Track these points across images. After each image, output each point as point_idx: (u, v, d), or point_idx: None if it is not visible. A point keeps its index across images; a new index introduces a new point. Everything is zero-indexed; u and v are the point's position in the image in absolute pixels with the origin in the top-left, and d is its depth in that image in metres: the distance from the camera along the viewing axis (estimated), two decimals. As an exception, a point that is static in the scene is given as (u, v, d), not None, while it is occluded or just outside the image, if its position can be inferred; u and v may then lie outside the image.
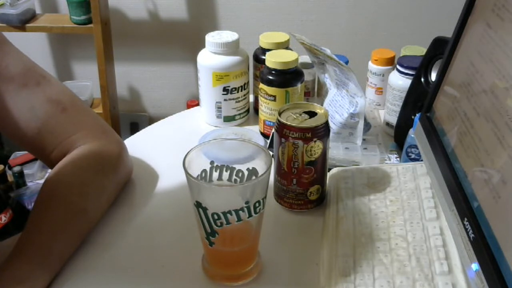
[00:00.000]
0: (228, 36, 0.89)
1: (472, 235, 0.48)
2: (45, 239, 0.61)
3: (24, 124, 0.69)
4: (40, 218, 0.63)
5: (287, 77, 0.85)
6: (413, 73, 0.82)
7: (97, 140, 0.72)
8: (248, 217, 0.56)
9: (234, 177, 0.60)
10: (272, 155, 0.64)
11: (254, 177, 0.58)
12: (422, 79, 0.80)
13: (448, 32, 0.67)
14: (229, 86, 0.90)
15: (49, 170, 0.70)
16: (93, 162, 0.70)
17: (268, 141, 0.86)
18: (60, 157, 0.70)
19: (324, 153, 0.67)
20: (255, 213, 0.56)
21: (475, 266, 0.47)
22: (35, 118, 0.69)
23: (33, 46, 2.06)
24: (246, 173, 0.59)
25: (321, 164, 0.68)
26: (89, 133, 0.72)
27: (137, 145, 0.88)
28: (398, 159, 0.82)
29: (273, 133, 0.70)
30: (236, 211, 0.55)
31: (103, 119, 0.81)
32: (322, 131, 0.66)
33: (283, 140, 0.66)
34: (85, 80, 2.03)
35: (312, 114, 0.68)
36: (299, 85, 0.86)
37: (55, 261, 0.61)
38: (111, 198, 0.72)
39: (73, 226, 0.64)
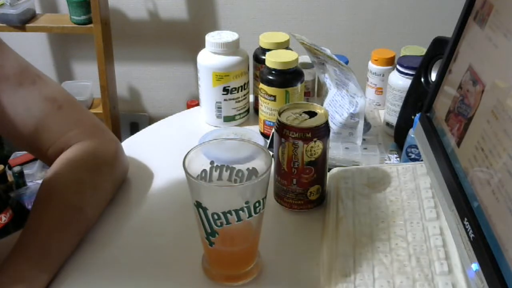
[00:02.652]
0: (228, 36, 0.89)
1: (472, 235, 0.48)
2: (43, 238, 0.61)
3: (20, 123, 0.69)
4: (38, 218, 0.63)
5: (287, 77, 0.85)
6: (413, 73, 0.82)
7: (92, 138, 0.72)
8: (248, 217, 0.56)
9: (234, 177, 0.60)
10: (272, 155, 0.64)
11: (254, 177, 0.58)
12: (422, 79, 0.80)
13: (448, 32, 0.67)
14: (229, 86, 0.90)
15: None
16: (89, 161, 0.70)
17: (268, 141, 0.86)
18: (56, 155, 0.70)
19: (324, 153, 0.67)
20: (255, 213, 0.56)
21: (475, 266, 0.47)
22: (31, 117, 0.69)
23: (33, 46, 2.06)
24: (246, 173, 0.59)
25: (321, 164, 0.68)
26: (85, 131, 0.73)
27: (137, 145, 0.88)
28: (398, 159, 0.82)
29: (273, 133, 0.70)
30: (236, 211, 0.55)
31: (100, 118, 0.81)
32: (322, 131, 0.66)
33: (283, 140, 0.66)
34: (85, 80, 2.03)
35: (312, 114, 0.68)
36: (299, 85, 0.86)
37: (53, 261, 0.61)
38: (108, 196, 0.72)
39: (70, 225, 0.64)
